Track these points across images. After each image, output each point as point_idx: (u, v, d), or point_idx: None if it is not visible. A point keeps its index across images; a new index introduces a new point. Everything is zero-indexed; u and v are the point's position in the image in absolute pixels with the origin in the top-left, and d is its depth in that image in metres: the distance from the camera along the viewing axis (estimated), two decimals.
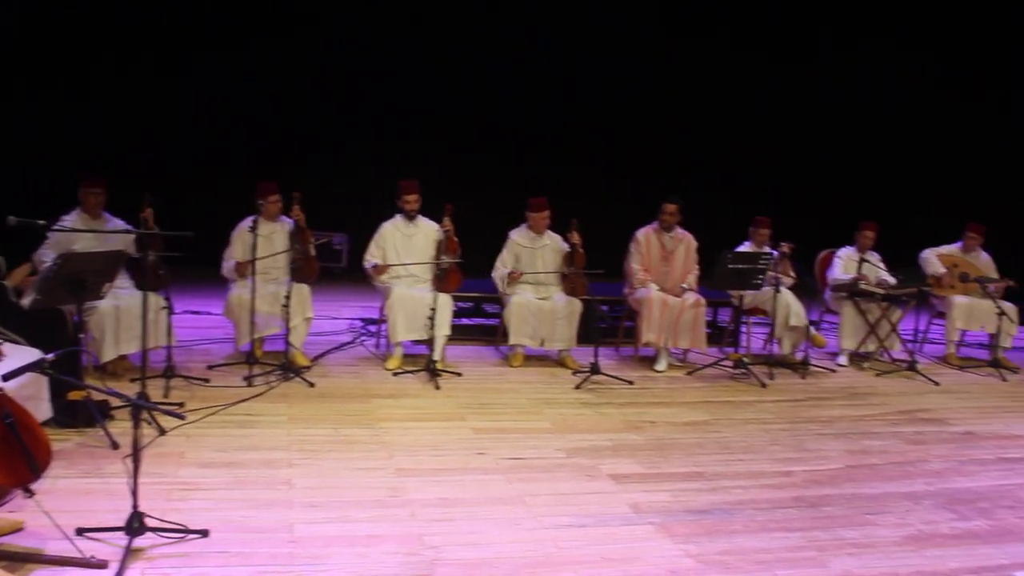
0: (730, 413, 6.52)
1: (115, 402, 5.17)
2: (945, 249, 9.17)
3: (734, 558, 3.95)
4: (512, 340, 7.70)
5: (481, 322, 9.20)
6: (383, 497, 4.42)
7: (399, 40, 12.48)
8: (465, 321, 9.03)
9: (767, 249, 8.11)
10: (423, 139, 12.10)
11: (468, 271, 7.64)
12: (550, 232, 8.01)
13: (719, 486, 4.89)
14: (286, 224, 7.27)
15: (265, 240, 7.09)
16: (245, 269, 6.92)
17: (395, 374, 7.14)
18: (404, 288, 7.44)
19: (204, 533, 3.78)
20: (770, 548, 4.08)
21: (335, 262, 12.57)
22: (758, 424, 6.26)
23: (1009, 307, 8.65)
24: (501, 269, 7.88)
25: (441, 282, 7.33)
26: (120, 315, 6.34)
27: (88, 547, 3.58)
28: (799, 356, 8.17)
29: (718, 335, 9.00)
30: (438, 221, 7.48)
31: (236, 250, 7.24)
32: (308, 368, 7.09)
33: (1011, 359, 8.99)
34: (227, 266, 7.28)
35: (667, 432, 5.91)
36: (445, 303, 7.31)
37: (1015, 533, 4.49)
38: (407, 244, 7.65)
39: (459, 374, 7.23)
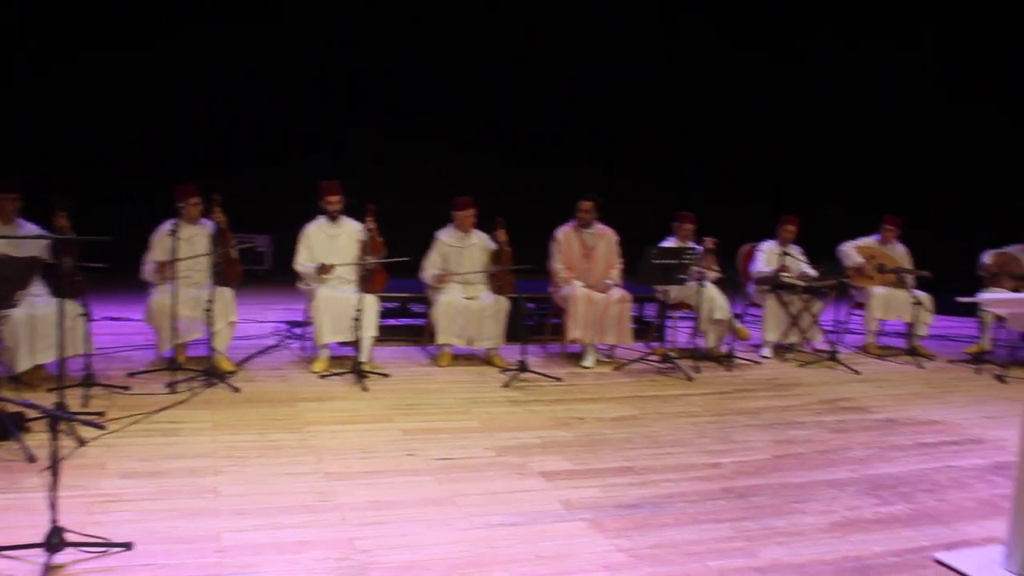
0: (658, 407, 6.57)
1: (31, 413, 5.02)
2: (863, 241, 9.38)
3: (666, 551, 3.97)
4: (440, 340, 7.67)
5: (408, 322, 9.16)
6: (312, 502, 4.36)
7: (314, 40, 12.37)
8: (392, 322, 8.98)
9: (691, 244, 8.20)
10: (345, 139, 12.02)
11: (394, 271, 7.59)
12: (477, 231, 8.00)
13: (649, 480, 4.92)
14: (207, 227, 7.13)
15: (186, 244, 6.97)
16: (166, 269, 6.78)
17: (321, 377, 7.06)
18: (329, 289, 7.36)
19: (128, 546, 3.68)
20: (701, 540, 4.12)
21: (258, 265, 12.41)
22: (686, 417, 6.32)
23: (924, 297, 8.87)
24: (429, 270, 7.85)
25: (366, 283, 7.27)
26: (35, 323, 6.16)
27: (4, 567, 3.47)
28: (724, 349, 8.29)
29: (644, 330, 9.11)
30: (362, 222, 7.43)
31: (156, 254, 7.09)
32: (233, 373, 6.98)
33: (927, 347, 9.25)
34: (147, 268, 7.12)
35: (596, 428, 5.93)
36: (371, 304, 7.25)
37: (934, 516, 4.60)
38: (331, 245, 7.57)
39: (386, 375, 7.18)
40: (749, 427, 6.13)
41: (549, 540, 4.04)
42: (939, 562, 4.02)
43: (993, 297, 4.06)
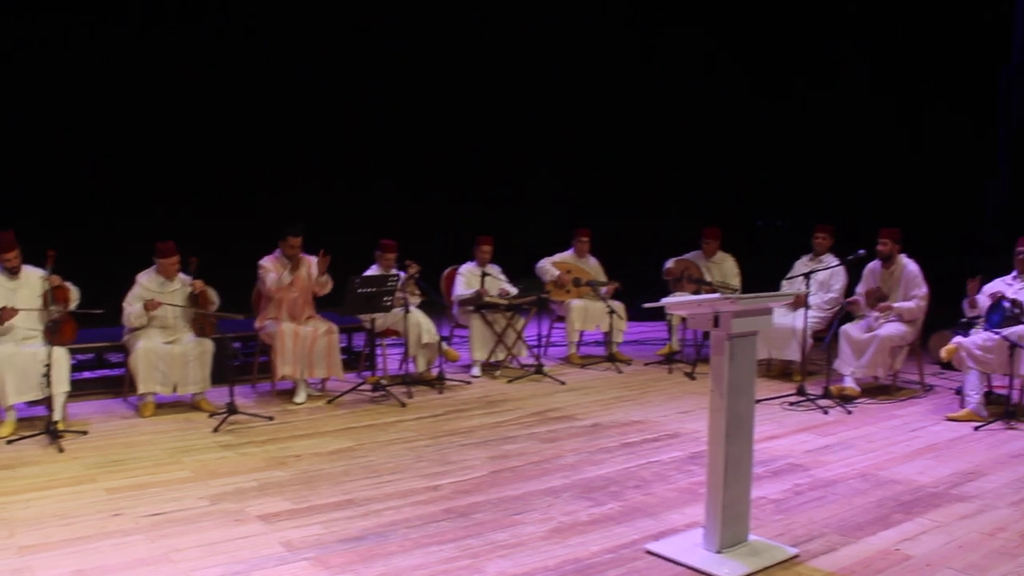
0: (374, 436, 6.53)
1: None
2: (558, 257, 9.81)
3: None
4: (141, 389, 7.23)
5: (105, 373, 8.57)
6: None
7: None
8: (87, 374, 8.37)
9: (394, 271, 8.24)
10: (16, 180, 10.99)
11: (85, 320, 7.10)
12: (181, 274, 7.61)
13: (371, 510, 4.88)
14: None
15: None
16: None
17: (9, 442, 6.44)
18: (12, 345, 6.75)
19: None
20: (427, 563, 4.13)
21: None
22: (402, 443, 6.32)
23: (618, 306, 9.40)
24: (131, 307, 7.36)
25: (53, 334, 6.74)
26: None
27: None
28: (435, 372, 8.37)
29: (355, 360, 9.04)
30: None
31: None
32: None
33: (624, 352, 9.81)
34: None
35: (313, 464, 5.81)
36: (61, 357, 6.72)
37: (642, 510, 4.88)
38: (11, 298, 6.94)
39: (85, 432, 6.67)
40: (465, 446, 6.23)
41: None
42: (649, 552, 4.26)
43: (673, 300, 4.36)
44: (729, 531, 4.18)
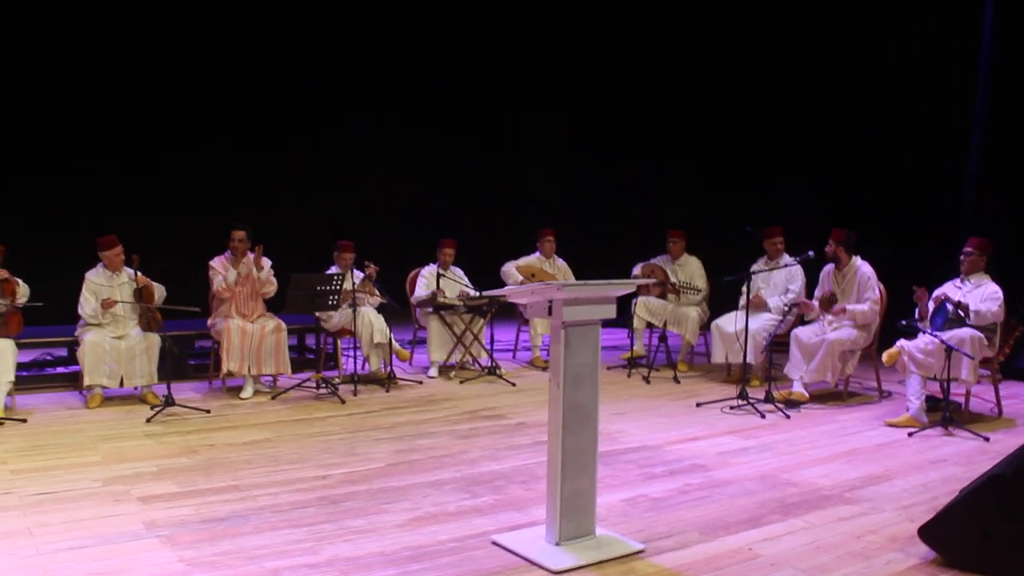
0: (296, 430, 6.63)
1: None
2: (524, 260, 9.82)
3: (228, 557, 4.04)
4: (88, 381, 7.41)
5: (76, 368, 8.76)
6: None
7: None
8: (48, 370, 8.59)
9: (353, 270, 8.34)
10: None
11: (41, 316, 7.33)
12: (127, 268, 7.80)
13: (249, 495, 4.97)
14: None
15: None
16: None
17: None
18: None
19: None
20: (271, 544, 4.21)
21: None
22: (319, 437, 6.41)
23: None
24: (88, 305, 7.56)
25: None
26: None
27: None
28: (387, 371, 8.45)
29: (314, 359, 9.13)
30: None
31: None
32: None
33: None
34: None
35: (222, 452, 5.92)
36: (6, 348, 6.94)
37: (515, 504, 4.91)
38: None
39: (24, 420, 6.86)
40: (379, 440, 6.31)
41: (112, 558, 4.04)
42: (494, 543, 4.29)
43: (512, 288, 4.40)
44: (570, 524, 4.20)
